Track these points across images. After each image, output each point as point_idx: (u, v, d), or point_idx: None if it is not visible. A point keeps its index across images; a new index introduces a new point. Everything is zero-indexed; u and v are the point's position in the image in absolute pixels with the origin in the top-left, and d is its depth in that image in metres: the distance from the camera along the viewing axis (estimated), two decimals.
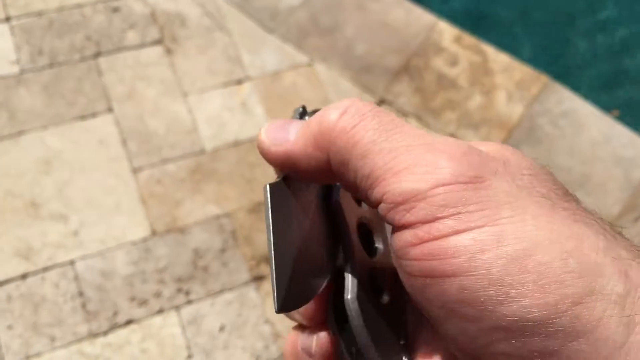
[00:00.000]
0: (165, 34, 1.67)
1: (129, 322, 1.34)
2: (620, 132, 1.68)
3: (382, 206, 0.22)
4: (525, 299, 0.19)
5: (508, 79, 1.72)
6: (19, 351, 1.28)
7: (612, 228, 0.21)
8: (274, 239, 0.24)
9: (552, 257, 0.19)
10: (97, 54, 1.61)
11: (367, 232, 0.30)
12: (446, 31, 1.76)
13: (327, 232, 0.27)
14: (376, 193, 0.22)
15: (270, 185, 0.25)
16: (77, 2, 1.67)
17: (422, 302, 0.21)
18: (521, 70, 1.73)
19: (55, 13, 1.65)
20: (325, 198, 0.28)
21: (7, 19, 1.62)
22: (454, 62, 1.72)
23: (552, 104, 1.70)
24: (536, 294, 0.19)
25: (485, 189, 0.21)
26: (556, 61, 1.99)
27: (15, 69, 1.56)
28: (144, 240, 1.42)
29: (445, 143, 0.22)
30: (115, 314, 1.34)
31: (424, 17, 1.78)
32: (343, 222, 0.27)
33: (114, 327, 1.33)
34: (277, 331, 1.38)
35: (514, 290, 0.19)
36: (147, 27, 1.67)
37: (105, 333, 1.33)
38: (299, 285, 0.25)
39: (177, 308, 1.37)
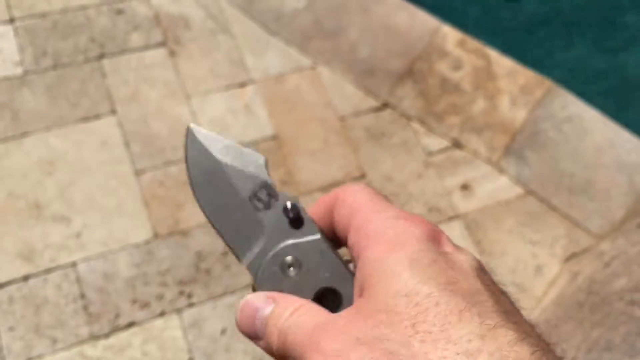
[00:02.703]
0: (168, 37, 1.67)
1: (130, 324, 1.34)
2: (625, 137, 1.67)
3: None
4: None
5: (512, 83, 1.71)
6: (20, 353, 1.28)
7: None
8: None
9: None
10: (101, 56, 1.62)
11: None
12: (450, 35, 1.76)
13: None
14: None
15: None
16: (81, 3, 1.68)
17: None
18: (525, 75, 1.73)
19: (59, 15, 1.66)
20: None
21: (11, 20, 1.63)
22: (457, 66, 1.72)
23: (556, 109, 1.69)
24: None
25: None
26: (560, 65, 1.99)
27: (18, 71, 1.56)
28: (147, 242, 1.42)
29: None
30: (117, 316, 1.34)
31: (428, 20, 1.78)
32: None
33: (115, 329, 1.33)
34: None
35: None
36: (150, 29, 1.67)
37: (106, 335, 1.32)
38: None
39: (178, 311, 1.37)
